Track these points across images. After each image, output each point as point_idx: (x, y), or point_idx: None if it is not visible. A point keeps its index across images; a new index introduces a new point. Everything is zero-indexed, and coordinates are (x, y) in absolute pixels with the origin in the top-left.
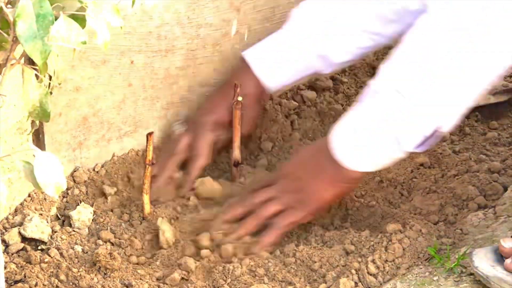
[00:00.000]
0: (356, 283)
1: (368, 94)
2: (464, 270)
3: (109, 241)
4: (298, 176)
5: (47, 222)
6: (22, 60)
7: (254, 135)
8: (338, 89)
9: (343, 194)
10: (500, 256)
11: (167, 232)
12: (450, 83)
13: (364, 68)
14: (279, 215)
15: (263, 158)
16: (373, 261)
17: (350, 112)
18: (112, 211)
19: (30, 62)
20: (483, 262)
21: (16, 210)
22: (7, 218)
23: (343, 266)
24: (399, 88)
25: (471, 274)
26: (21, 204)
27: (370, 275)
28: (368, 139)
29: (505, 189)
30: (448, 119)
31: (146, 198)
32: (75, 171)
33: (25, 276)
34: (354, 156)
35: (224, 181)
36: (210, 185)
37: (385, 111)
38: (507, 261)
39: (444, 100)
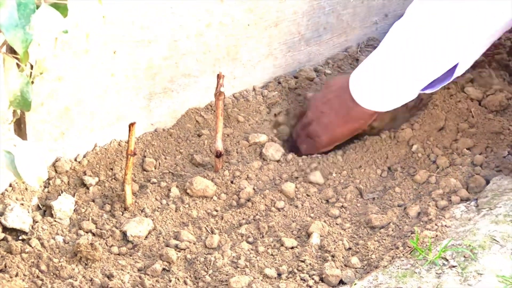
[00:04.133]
0: (338, 275)
1: (388, 35)
2: (446, 262)
3: (90, 231)
4: (321, 109)
5: (28, 212)
6: (4, 49)
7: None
8: (321, 80)
9: (355, 130)
10: None
11: None
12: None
13: (348, 60)
14: (304, 145)
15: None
16: (356, 253)
17: (371, 54)
18: (93, 201)
19: (12, 51)
20: None
21: None
22: None
23: (325, 257)
24: (413, 23)
25: (453, 266)
26: (2, 194)
27: (352, 267)
28: (382, 77)
29: (488, 182)
30: (462, 62)
31: (128, 189)
32: (57, 161)
33: (5, 266)
34: (367, 95)
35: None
36: (202, 183)
37: (400, 47)
38: None
39: (456, 38)
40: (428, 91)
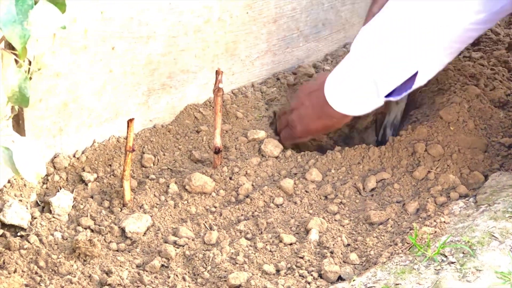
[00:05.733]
0: (336, 271)
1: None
2: (444, 258)
3: (89, 227)
4: (302, 101)
5: (27, 208)
6: (2, 45)
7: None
8: None
9: (328, 127)
10: None
11: None
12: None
13: None
14: (282, 133)
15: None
16: (354, 249)
17: (344, 59)
18: (92, 197)
19: (10, 46)
20: None
21: None
22: None
23: (323, 253)
24: (375, 37)
25: (452, 262)
26: (1, 190)
27: (350, 264)
28: (349, 82)
29: (486, 178)
30: (422, 70)
31: (126, 185)
32: (55, 157)
33: (4, 263)
34: (339, 99)
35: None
36: (201, 180)
37: (365, 52)
38: None
39: (418, 49)
40: (392, 99)
